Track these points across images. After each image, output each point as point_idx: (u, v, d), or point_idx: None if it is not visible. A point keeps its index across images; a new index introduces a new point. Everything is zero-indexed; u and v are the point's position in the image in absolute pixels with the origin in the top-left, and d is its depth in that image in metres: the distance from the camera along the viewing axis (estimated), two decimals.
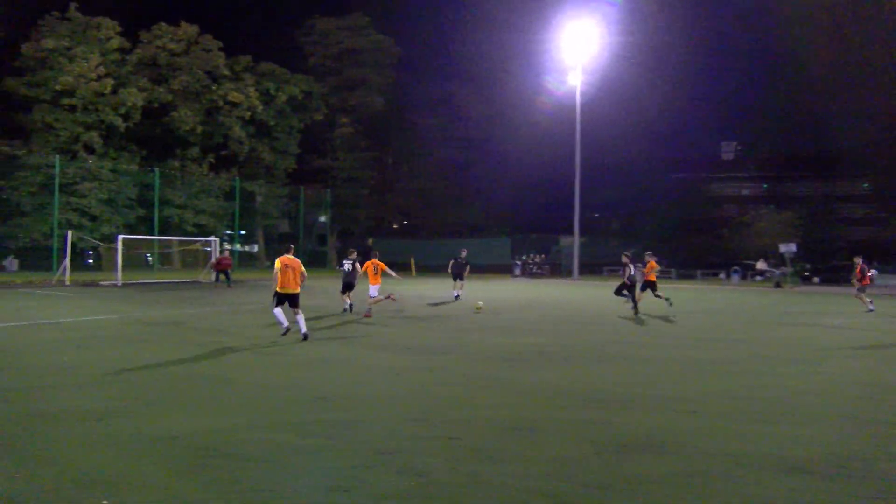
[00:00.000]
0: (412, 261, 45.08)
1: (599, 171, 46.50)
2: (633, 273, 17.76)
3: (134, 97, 38.92)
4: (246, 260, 50.83)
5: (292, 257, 11.72)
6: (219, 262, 24.40)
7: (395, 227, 63.33)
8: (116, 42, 40.28)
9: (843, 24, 48.22)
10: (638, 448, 5.41)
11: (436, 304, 19.85)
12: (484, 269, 44.71)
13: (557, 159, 46.67)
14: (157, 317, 15.55)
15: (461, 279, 21.64)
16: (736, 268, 40.72)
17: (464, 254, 21.99)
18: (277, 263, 11.55)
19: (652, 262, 18.55)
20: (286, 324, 11.60)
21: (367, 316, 15.44)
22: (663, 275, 41.18)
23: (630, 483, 4.61)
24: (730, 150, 66.98)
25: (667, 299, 18.58)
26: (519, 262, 44.47)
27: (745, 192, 64.75)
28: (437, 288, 27.35)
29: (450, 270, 21.93)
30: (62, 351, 10.02)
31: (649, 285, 18.39)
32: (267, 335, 12.00)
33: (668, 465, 5.00)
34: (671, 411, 6.72)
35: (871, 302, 19.21)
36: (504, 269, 44.25)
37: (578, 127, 41.09)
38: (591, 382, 8.21)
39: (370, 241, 59.02)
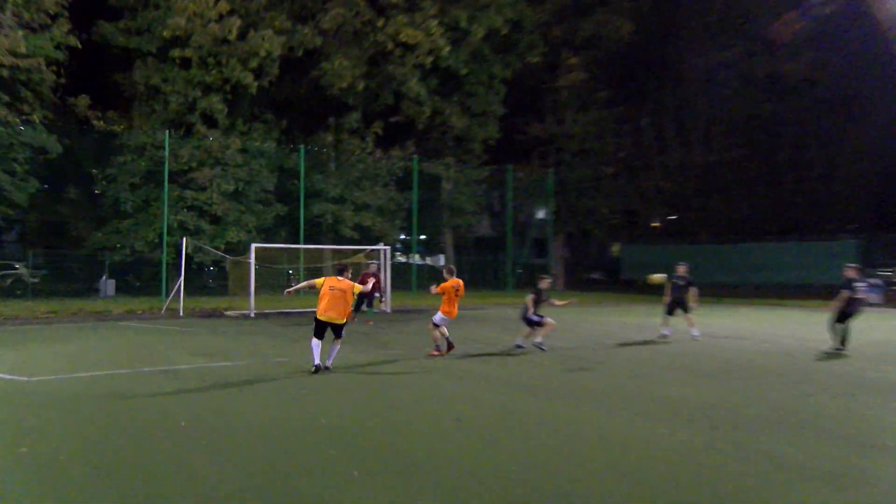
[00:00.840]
0: None
1: None
2: (861, 295, 18.04)
3: (269, 44, 39.85)
4: (427, 276, 50.58)
5: (343, 279, 14.30)
6: (362, 281, 22.53)
7: (654, 225, 62.30)
8: None
9: None
10: None
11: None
12: (805, 290, 42.62)
13: None
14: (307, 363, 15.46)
15: (683, 308, 21.39)
16: None
17: (681, 270, 21.94)
18: (324, 286, 14.20)
19: None
20: (318, 361, 13.96)
21: (439, 353, 16.98)
22: None
23: None
24: None
25: None
26: (881, 281, 40.16)
27: None
28: (734, 318, 28.97)
29: (668, 299, 21.72)
30: (183, 411, 10.75)
31: None
32: (450, 389, 13.12)
33: None
34: None
35: None
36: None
37: None
38: None
39: (615, 247, 57.73)
